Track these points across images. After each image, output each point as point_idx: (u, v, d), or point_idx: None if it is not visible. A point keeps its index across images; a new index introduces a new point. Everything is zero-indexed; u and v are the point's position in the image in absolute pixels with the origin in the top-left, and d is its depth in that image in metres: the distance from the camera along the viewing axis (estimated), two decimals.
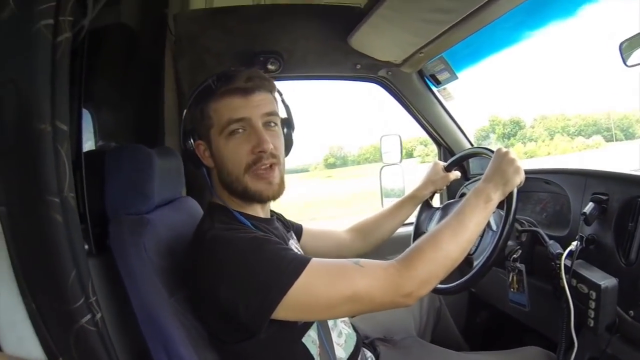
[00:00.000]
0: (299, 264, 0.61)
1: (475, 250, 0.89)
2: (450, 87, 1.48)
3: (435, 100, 1.49)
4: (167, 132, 1.19)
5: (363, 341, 0.89)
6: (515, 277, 0.93)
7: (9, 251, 0.49)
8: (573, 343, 0.80)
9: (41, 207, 0.48)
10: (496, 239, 0.81)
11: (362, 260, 0.65)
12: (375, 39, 1.25)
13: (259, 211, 0.77)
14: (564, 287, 0.80)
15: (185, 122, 0.75)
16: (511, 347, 0.98)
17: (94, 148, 1.01)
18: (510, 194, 0.80)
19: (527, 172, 1.19)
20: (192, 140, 0.72)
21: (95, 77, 0.92)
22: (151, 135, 1.16)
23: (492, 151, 0.86)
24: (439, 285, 0.88)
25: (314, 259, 0.63)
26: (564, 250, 0.83)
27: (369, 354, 0.85)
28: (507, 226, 0.80)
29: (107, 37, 1.00)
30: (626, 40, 0.94)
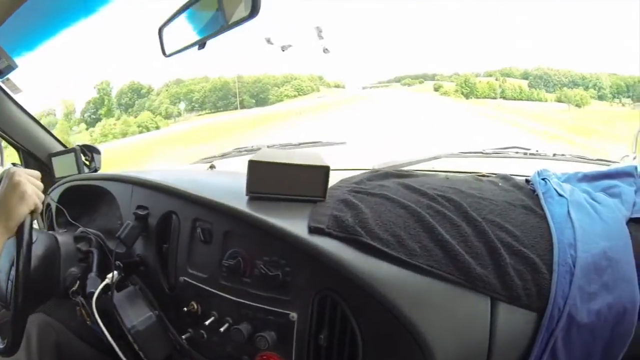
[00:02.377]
0: None
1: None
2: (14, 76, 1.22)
3: (2, 95, 1.19)
4: None
5: None
6: (83, 310, 0.76)
7: None
8: None
9: None
10: (13, 285, 0.65)
11: None
12: None
13: None
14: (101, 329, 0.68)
15: None
16: None
17: None
18: (21, 225, 0.63)
19: (80, 178, 1.03)
20: None
21: None
22: None
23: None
24: None
25: None
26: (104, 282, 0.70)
27: None
28: (21, 269, 0.63)
29: None
30: (165, 24, 0.76)
